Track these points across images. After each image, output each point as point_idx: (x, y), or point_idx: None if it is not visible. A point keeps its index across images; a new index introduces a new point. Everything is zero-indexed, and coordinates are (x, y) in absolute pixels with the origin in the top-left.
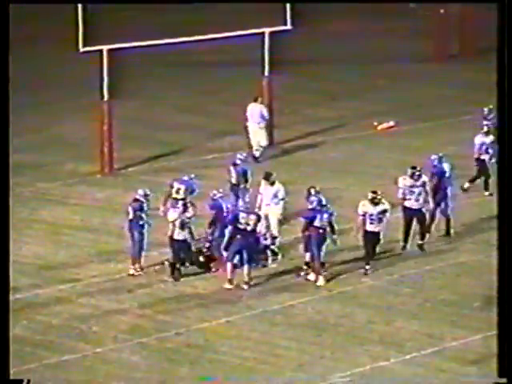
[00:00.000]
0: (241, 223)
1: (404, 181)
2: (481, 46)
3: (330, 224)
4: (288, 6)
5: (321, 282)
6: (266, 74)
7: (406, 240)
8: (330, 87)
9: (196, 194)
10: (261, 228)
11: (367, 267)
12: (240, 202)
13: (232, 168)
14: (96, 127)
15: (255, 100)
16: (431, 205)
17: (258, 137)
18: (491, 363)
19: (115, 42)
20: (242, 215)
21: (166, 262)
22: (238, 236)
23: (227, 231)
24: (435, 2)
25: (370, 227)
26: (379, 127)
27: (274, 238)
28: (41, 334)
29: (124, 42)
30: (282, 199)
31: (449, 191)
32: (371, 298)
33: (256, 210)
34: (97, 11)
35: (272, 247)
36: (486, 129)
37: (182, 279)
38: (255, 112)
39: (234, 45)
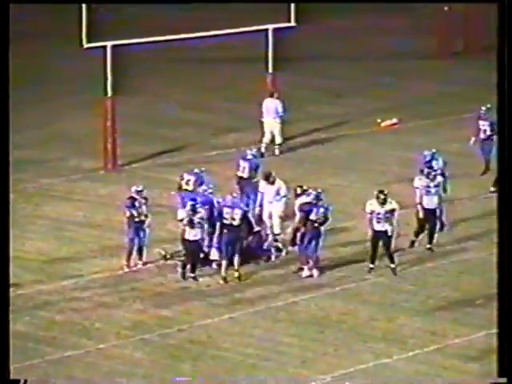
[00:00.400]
0: (226, 219)
1: (420, 181)
2: (485, 44)
3: (326, 218)
4: (292, 2)
5: (315, 275)
6: (270, 70)
7: (417, 236)
8: (334, 84)
9: (204, 186)
10: (265, 225)
11: (371, 266)
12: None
13: (242, 161)
14: (99, 123)
15: (271, 95)
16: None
17: (275, 132)
18: (494, 361)
19: (119, 38)
20: (226, 210)
21: (162, 252)
22: (225, 231)
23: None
24: (435, 2)
25: (377, 226)
26: (383, 124)
27: (276, 234)
28: (43, 329)
29: (128, 39)
30: (284, 196)
31: (416, 180)
32: (374, 295)
33: (258, 208)
34: (101, 7)
35: (275, 244)
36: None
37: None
38: (271, 107)
39: (238, 41)
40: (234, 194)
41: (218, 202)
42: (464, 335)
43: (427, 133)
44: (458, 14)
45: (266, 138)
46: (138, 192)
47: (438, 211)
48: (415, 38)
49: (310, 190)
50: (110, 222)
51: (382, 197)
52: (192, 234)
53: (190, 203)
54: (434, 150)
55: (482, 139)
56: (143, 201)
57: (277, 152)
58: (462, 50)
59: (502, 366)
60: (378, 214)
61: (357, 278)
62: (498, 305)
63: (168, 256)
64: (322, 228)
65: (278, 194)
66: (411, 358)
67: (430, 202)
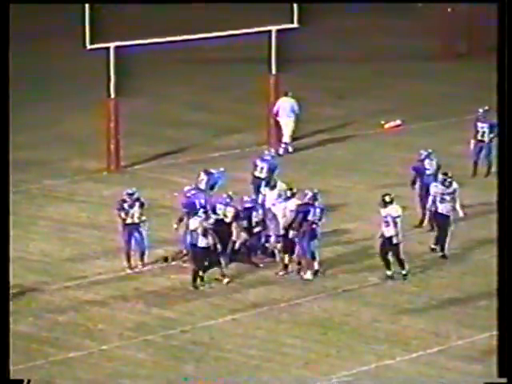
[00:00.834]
0: (218, 214)
1: (435, 188)
2: (488, 45)
3: (321, 218)
4: (295, 4)
5: (308, 276)
6: (273, 71)
7: (437, 244)
8: (337, 85)
9: (218, 187)
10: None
11: (402, 272)
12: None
13: (260, 161)
14: (103, 124)
15: (285, 94)
16: (461, 213)
17: (285, 131)
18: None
19: (122, 39)
20: (219, 207)
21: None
22: (215, 227)
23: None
24: (436, 2)
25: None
26: (386, 126)
27: (279, 236)
28: (47, 330)
29: (131, 40)
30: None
31: (431, 188)
32: (377, 296)
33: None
34: (104, 8)
35: (278, 246)
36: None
37: (187, 276)
38: (286, 106)
39: (242, 42)
40: (230, 193)
41: (203, 203)
42: (467, 337)
43: (431, 134)
44: (462, 15)
45: (286, 136)
46: (129, 195)
47: (451, 218)
48: (419, 39)
49: (307, 191)
50: (113, 223)
51: (387, 200)
52: (205, 242)
53: (201, 211)
54: (430, 151)
55: (479, 141)
56: (136, 203)
57: (281, 151)
58: (466, 52)
59: (502, 367)
60: (385, 216)
61: (359, 280)
62: (498, 304)
63: (170, 259)
64: (319, 229)
65: (280, 196)
66: (414, 359)
67: (445, 208)
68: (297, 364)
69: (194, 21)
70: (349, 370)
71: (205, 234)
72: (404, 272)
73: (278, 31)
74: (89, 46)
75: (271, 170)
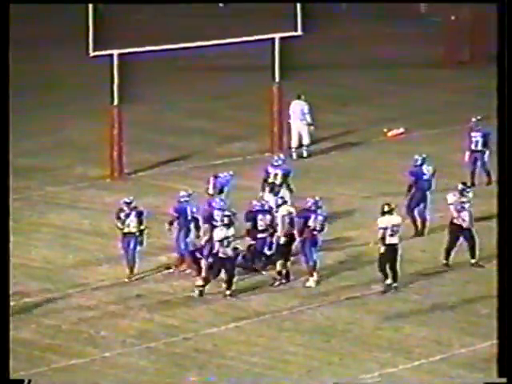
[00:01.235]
0: (216, 220)
1: (454, 197)
2: (491, 53)
3: (322, 227)
4: (299, 11)
5: (311, 283)
6: (277, 79)
7: (447, 258)
8: (340, 93)
9: (227, 191)
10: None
11: (393, 284)
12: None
13: (272, 168)
14: (106, 131)
15: (298, 97)
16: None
17: (302, 134)
18: None
19: (126, 46)
20: (216, 213)
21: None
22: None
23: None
24: (437, 2)
25: (388, 240)
26: (389, 134)
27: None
28: (49, 337)
29: (134, 47)
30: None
31: (428, 193)
32: (379, 304)
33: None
34: (107, 15)
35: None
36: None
37: (189, 283)
38: (298, 109)
39: (245, 50)
40: (222, 197)
41: (195, 210)
42: (470, 345)
43: (433, 142)
44: (465, 23)
45: (294, 143)
46: (127, 203)
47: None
48: (421, 47)
49: (309, 198)
50: (116, 231)
51: (387, 209)
52: (225, 253)
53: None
54: (424, 156)
55: (473, 151)
56: (133, 212)
57: (304, 154)
58: (469, 60)
59: (502, 368)
60: (385, 228)
61: (362, 288)
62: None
63: (172, 267)
64: (320, 236)
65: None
66: (417, 367)
67: (463, 219)
68: (299, 372)
69: (197, 28)
70: (351, 378)
71: (228, 245)
72: (396, 284)
73: (282, 39)
74: (92, 53)
75: (286, 175)
